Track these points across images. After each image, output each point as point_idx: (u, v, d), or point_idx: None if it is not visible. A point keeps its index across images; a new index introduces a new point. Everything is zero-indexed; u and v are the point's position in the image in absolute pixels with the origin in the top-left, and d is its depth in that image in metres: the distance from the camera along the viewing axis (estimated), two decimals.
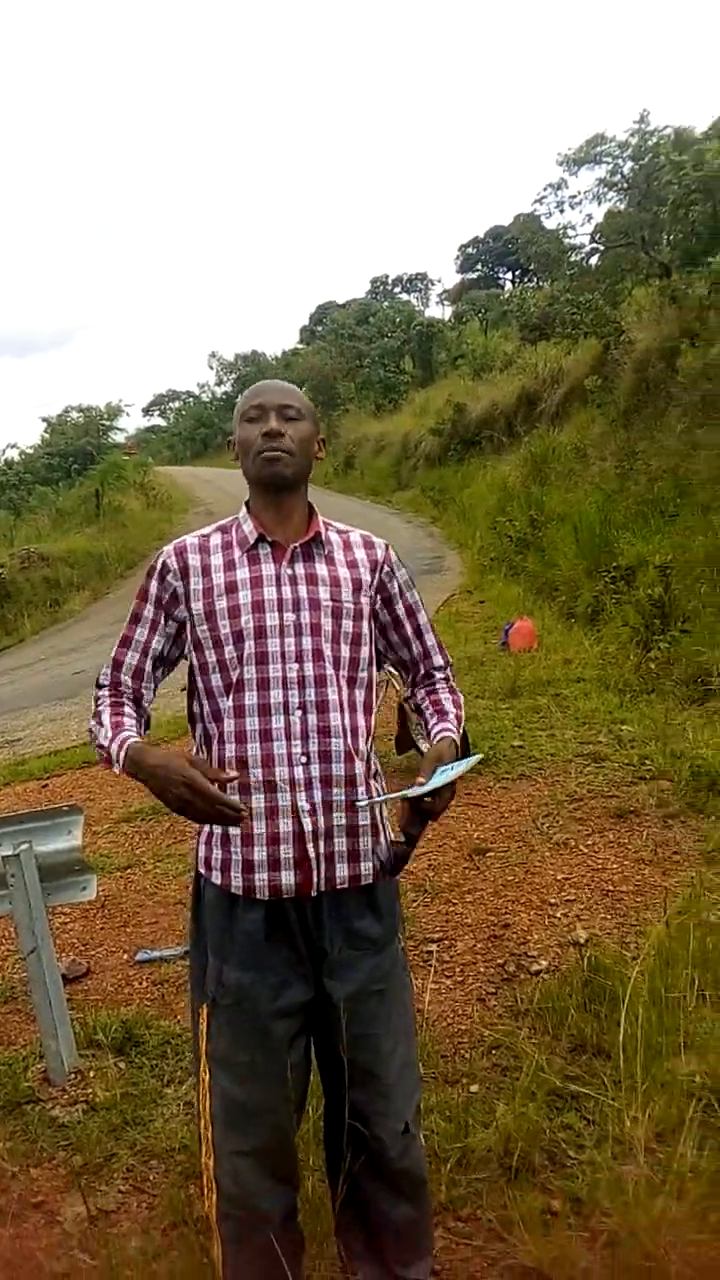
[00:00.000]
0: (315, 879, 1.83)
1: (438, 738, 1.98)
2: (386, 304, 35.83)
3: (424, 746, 2.08)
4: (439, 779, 1.83)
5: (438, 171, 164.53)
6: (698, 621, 7.56)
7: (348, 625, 1.90)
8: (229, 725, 1.86)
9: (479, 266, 45.58)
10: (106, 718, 1.91)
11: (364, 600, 1.94)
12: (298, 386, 2.08)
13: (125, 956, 4.07)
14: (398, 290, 46.55)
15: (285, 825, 1.83)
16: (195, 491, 30.94)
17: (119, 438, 36.45)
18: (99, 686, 2.00)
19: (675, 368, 11.56)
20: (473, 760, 1.94)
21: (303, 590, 1.89)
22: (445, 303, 42.06)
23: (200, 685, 1.93)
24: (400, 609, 2.02)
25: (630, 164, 17.35)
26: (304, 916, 1.86)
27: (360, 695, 1.93)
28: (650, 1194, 2.17)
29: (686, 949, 3.14)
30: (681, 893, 3.78)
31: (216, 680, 1.89)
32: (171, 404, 60.17)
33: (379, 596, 1.98)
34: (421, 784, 1.81)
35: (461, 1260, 2.20)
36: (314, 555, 1.93)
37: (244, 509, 1.99)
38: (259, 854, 1.83)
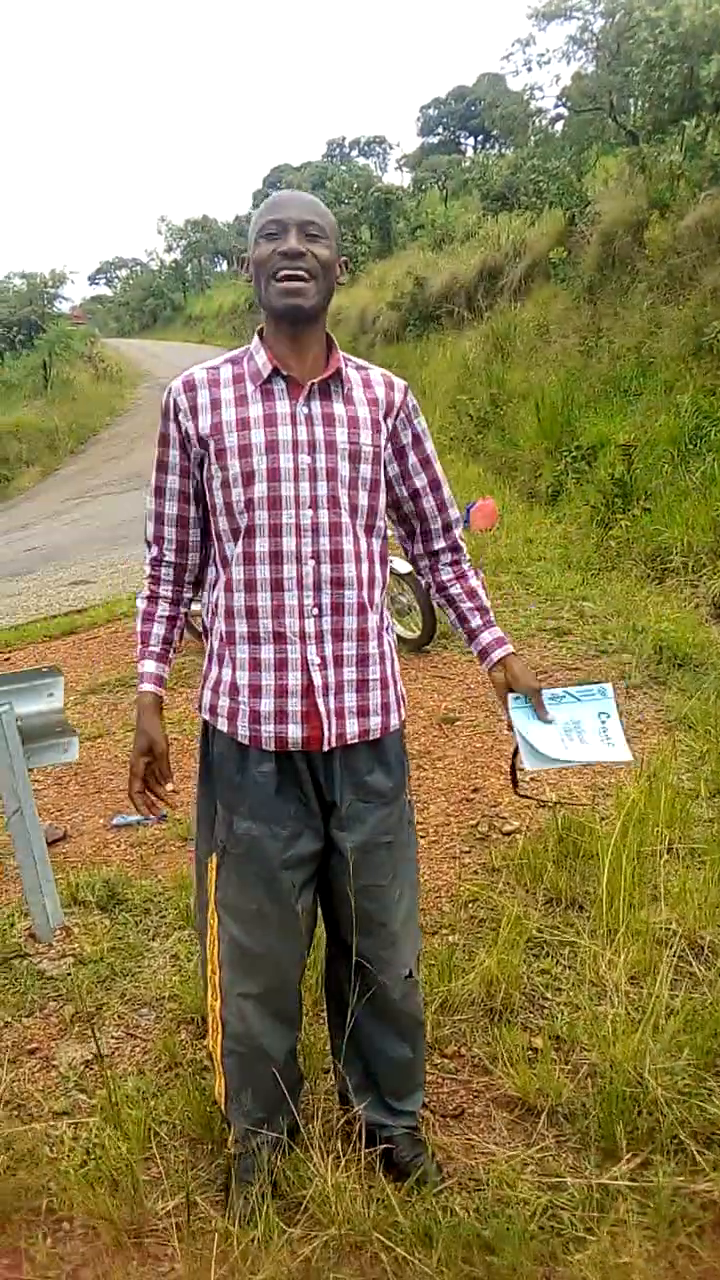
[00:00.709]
0: (325, 734, 1.82)
1: (499, 653, 1.98)
2: (344, 168, 34.20)
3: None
4: (564, 710, 1.95)
5: (399, 25, 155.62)
6: (658, 501, 7.57)
7: (365, 470, 1.83)
8: (237, 573, 1.82)
9: (440, 130, 43.65)
10: (139, 621, 1.98)
11: (382, 443, 1.87)
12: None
13: (101, 822, 4.11)
14: (354, 154, 44.50)
15: (294, 678, 1.81)
16: (145, 366, 29.94)
17: (64, 307, 34.97)
18: (148, 544, 1.98)
19: (642, 241, 11.24)
20: (611, 698, 1.98)
21: (319, 431, 1.80)
22: (404, 168, 40.30)
23: (213, 527, 1.88)
24: (415, 457, 1.96)
25: (601, 21, 16.55)
26: (314, 769, 1.87)
27: (376, 545, 1.89)
28: (629, 1031, 2.28)
29: (655, 810, 3.24)
30: (647, 759, 3.88)
31: (224, 524, 1.83)
32: (119, 272, 57.65)
33: (392, 442, 1.92)
34: (565, 731, 1.94)
35: (449, 1093, 2.32)
36: (331, 394, 1.84)
37: (256, 338, 1.88)
38: (266, 705, 1.82)
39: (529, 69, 17.63)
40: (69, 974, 2.91)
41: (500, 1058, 2.34)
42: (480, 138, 40.50)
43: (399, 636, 6.24)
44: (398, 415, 1.91)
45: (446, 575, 2.04)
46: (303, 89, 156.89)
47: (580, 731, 1.95)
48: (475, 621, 2.01)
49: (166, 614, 1.97)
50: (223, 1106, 2.04)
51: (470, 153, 38.56)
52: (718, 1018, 2.32)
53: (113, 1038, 2.62)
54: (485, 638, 1.99)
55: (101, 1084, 2.38)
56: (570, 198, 13.95)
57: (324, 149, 46.12)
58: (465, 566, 2.05)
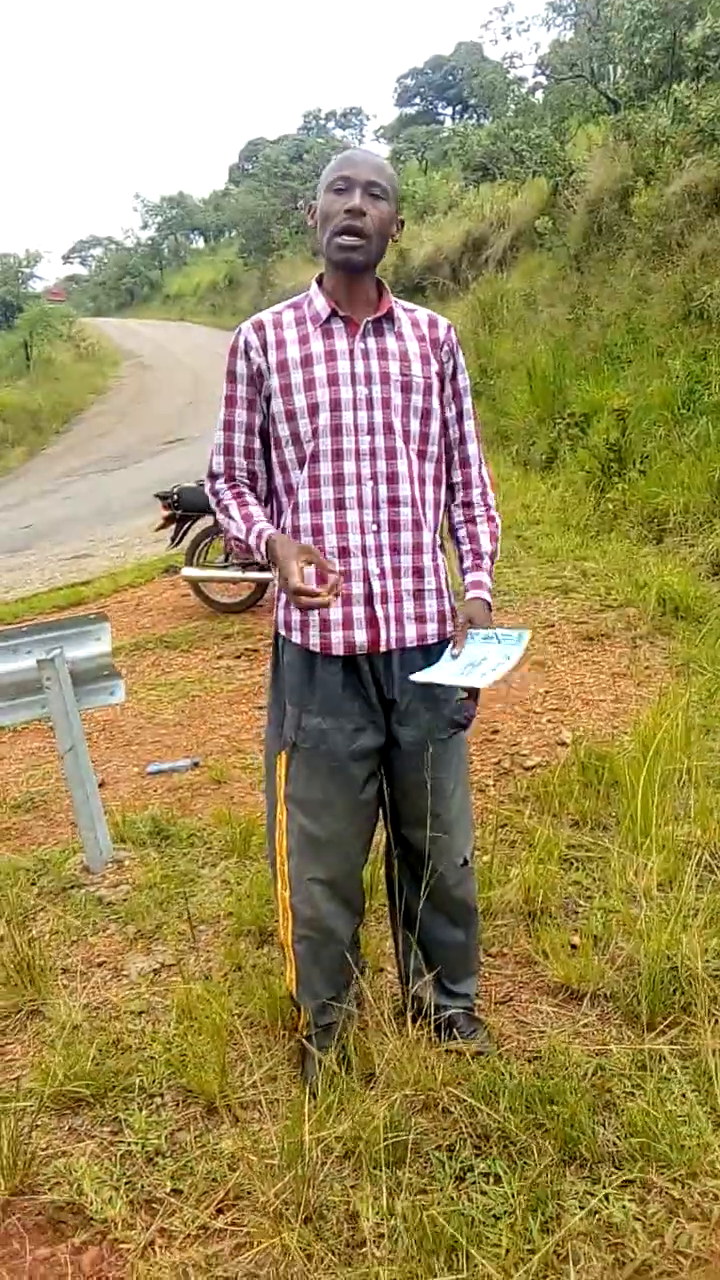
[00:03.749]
0: (385, 637, 2.01)
1: (470, 594, 2.12)
2: (321, 140, 34.02)
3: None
4: (479, 648, 2.02)
5: None
6: (654, 464, 7.75)
7: (417, 400, 2.01)
8: (304, 496, 1.99)
9: (417, 100, 43.41)
10: (235, 511, 2.05)
11: (432, 374, 2.04)
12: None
13: (136, 770, 4.28)
14: (331, 126, 44.11)
15: (357, 588, 2.00)
16: (125, 344, 29.79)
17: (38, 287, 34.78)
18: (213, 477, 2.11)
19: (629, 208, 11.37)
20: (521, 644, 2.03)
21: (374, 364, 1.98)
22: (382, 139, 40.14)
23: (275, 459, 2.05)
24: (450, 390, 2.12)
25: None
26: (375, 670, 2.05)
27: (430, 468, 2.07)
28: (660, 927, 2.48)
29: (670, 740, 3.44)
30: (658, 699, 4.08)
31: (291, 453, 2.01)
32: (93, 250, 57.11)
33: (438, 374, 2.08)
34: (468, 663, 2.00)
35: (496, 984, 2.51)
36: (385, 331, 2.02)
37: (314, 285, 2.05)
38: (334, 614, 2.00)
39: (508, 37, 17.75)
40: (126, 899, 3.09)
41: (542, 952, 2.54)
42: (459, 108, 40.30)
43: None
44: (443, 348, 2.08)
45: (457, 516, 2.21)
46: (277, 62, 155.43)
47: (477, 666, 2.03)
48: (466, 563, 2.19)
49: (257, 502, 2.07)
50: (293, 990, 2.23)
51: (449, 123, 38.41)
52: None
53: (175, 950, 2.80)
54: (468, 579, 2.17)
55: (171, 990, 2.57)
56: (554, 166, 14.03)
57: (300, 121, 45.76)
58: (477, 512, 2.20)
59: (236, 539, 2.05)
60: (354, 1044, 2.16)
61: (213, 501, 2.12)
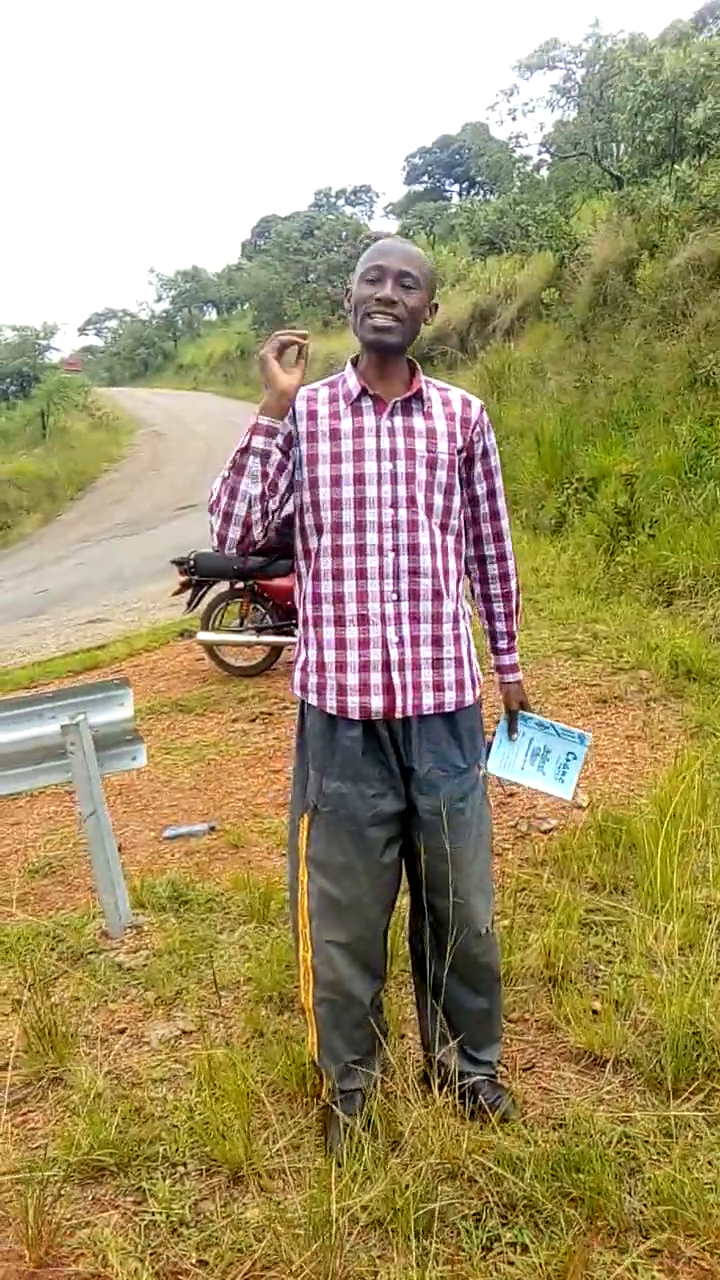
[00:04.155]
0: (401, 704, 2.06)
1: (510, 677, 2.36)
2: (331, 217, 35.01)
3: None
4: (539, 735, 2.34)
5: (384, 79, 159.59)
6: (662, 528, 7.85)
7: (441, 475, 2.09)
8: (325, 563, 2.07)
9: (425, 178, 44.67)
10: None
11: (457, 451, 2.12)
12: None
13: (152, 834, 4.30)
14: (341, 203, 45.44)
15: (376, 655, 2.06)
16: (139, 413, 30.38)
17: (54, 358, 35.64)
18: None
19: (634, 280, 11.66)
20: (585, 745, 2.34)
21: (400, 441, 2.07)
22: (391, 215, 41.28)
23: (298, 523, 2.13)
24: (480, 468, 2.20)
25: (583, 70, 17.18)
26: (395, 737, 2.10)
27: (451, 541, 2.14)
28: (682, 993, 2.48)
29: (687, 803, 3.45)
30: (673, 762, 4.10)
31: (311, 519, 2.09)
32: (108, 323, 58.45)
33: (466, 452, 2.17)
34: (533, 752, 2.36)
35: (519, 1050, 2.51)
36: (413, 410, 2.10)
37: (349, 365, 2.15)
38: (351, 679, 2.06)
39: (513, 118, 18.25)
40: (146, 965, 3.09)
41: (563, 1018, 2.54)
42: (465, 185, 41.48)
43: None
44: (473, 428, 2.16)
45: (494, 589, 2.33)
46: (289, 141, 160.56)
47: (545, 760, 2.35)
48: (501, 644, 2.37)
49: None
50: (315, 1055, 2.24)
51: (456, 199, 39.48)
52: None
53: (195, 1016, 2.80)
54: (503, 660, 2.38)
55: (193, 1056, 2.57)
56: (559, 240, 14.39)
57: (311, 198, 47.15)
58: (512, 585, 2.34)
59: (240, 453, 2.01)
60: (378, 1111, 2.16)
61: (218, 483, 2.06)
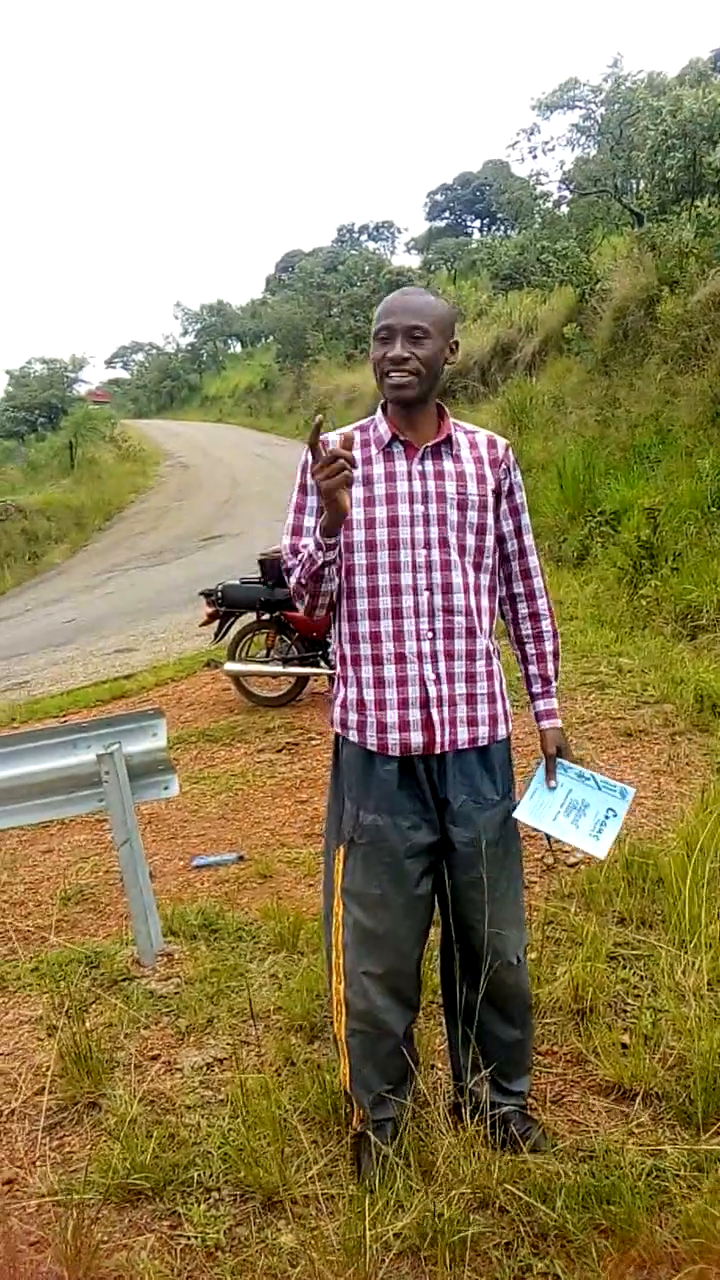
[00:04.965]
0: (439, 739, 2.12)
1: (546, 724, 2.31)
2: (354, 252, 35.52)
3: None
4: (578, 787, 2.26)
5: (405, 117, 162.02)
6: (686, 561, 7.89)
7: (473, 516, 2.15)
8: (362, 604, 2.14)
9: (447, 214, 45.27)
10: (295, 563, 2.16)
11: (488, 492, 2.18)
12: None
13: (181, 864, 4.36)
14: (364, 239, 46.11)
15: (414, 692, 2.11)
16: (165, 444, 30.74)
17: (82, 390, 36.19)
18: (292, 558, 2.20)
19: (654, 315, 11.77)
20: (626, 801, 2.24)
21: (431, 484, 2.13)
22: (413, 251, 41.83)
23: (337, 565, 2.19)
24: (507, 505, 2.26)
25: (603, 109, 17.44)
26: (430, 771, 2.15)
27: (485, 579, 2.19)
28: (711, 1027, 2.50)
29: (714, 838, 3.47)
30: (700, 796, 4.11)
31: (346, 562, 2.14)
32: (135, 356, 59.34)
33: (495, 492, 2.23)
34: (569, 805, 2.26)
35: (549, 1083, 2.53)
36: (442, 454, 2.17)
37: (380, 411, 2.22)
38: (391, 717, 2.11)
39: (534, 156, 18.50)
40: (177, 992, 3.14)
41: (592, 1051, 2.56)
42: (486, 221, 42.00)
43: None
44: (501, 466, 2.23)
45: (525, 629, 2.33)
46: (312, 178, 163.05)
47: (581, 813, 2.25)
48: (536, 688, 2.34)
49: None
50: (347, 1085, 2.27)
51: (477, 235, 39.98)
52: None
53: (226, 1044, 2.83)
54: (539, 706, 2.33)
55: (225, 1083, 2.60)
56: (580, 276, 14.55)
57: (334, 234, 47.90)
58: (544, 626, 2.33)
59: (309, 563, 2.09)
60: (410, 1140, 2.19)
61: (292, 578, 2.18)
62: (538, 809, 2.25)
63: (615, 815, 2.22)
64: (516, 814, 2.23)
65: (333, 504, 1.95)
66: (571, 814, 2.24)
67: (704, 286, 10.79)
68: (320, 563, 2.06)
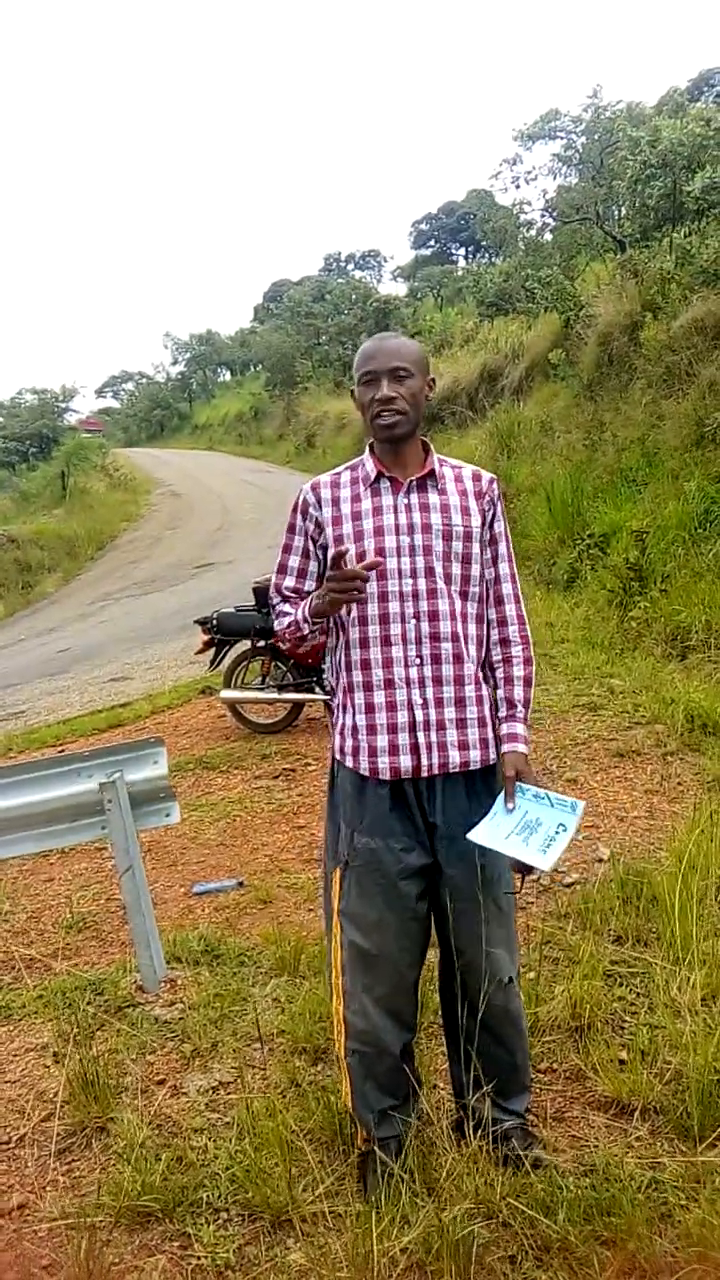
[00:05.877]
0: (428, 763, 2.19)
1: (507, 747, 2.29)
2: (341, 280, 35.90)
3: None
4: (534, 807, 2.24)
5: (391, 148, 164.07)
6: (674, 583, 7.99)
7: (458, 546, 2.24)
8: (354, 633, 2.23)
9: (432, 243, 45.84)
10: (284, 607, 2.33)
11: (473, 524, 2.26)
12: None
13: (182, 890, 4.40)
14: (351, 267, 46.63)
15: (402, 717, 2.19)
16: (156, 473, 30.87)
17: (73, 420, 36.36)
18: (278, 597, 2.36)
19: (638, 341, 11.94)
20: (577, 814, 2.25)
21: (416, 516, 2.22)
22: (399, 279, 42.30)
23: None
24: (487, 535, 2.33)
25: (583, 139, 17.74)
26: (419, 794, 2.22)
27: (472, 607, 2.27)
28: (706, 1042, 2.55)
29: (705, 856, 3.54)
30: (692, 815, 4.18)
31: None
32: (125, 385, 59.70)
33: (481, 523, 2.30)
34: (523, 824, 2.22)
35: (548, 1099, 2.58)
36: (428, 488, 2.26)
37: (367, 450, 2.32)
38: (381, 741, 2.19)
39: (517, 186, 18.76)
40: (182, 1017, 3.18)
41: (592, 1067, 2.61)
42: (471, 248, 42.51)
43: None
44: (484, 498, 2.31)
45: (495, 655, 2.37)
46: (299, 208, 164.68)
47: (534, 831, 2.24)
48: (502, 711, 2.35)
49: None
50: (350, 1104, 2.32)
51: (462, 263, 40.46)
52: None
53: (231, 1068, 2.88)
54: (504, 729, 2.33)
55: (230, 1106, 2.65)
56: (564, 302, 14.74)
57: (321, 263, 48.47)
58: (514, 651, 2.35)
59: (294, 627, 2.27)
60: (414, 1157, 2.23)
61: (279, 624, 2.35)
62: (493, 830, 2.22)
63: (565, 829, 2.23)
64: (471, 835, 2.19)
65: (334, 605, 2.12)
66: (524, 832, 2.22)
67: (686, 312, 10.96)
68: (305, 633, 2.24)
